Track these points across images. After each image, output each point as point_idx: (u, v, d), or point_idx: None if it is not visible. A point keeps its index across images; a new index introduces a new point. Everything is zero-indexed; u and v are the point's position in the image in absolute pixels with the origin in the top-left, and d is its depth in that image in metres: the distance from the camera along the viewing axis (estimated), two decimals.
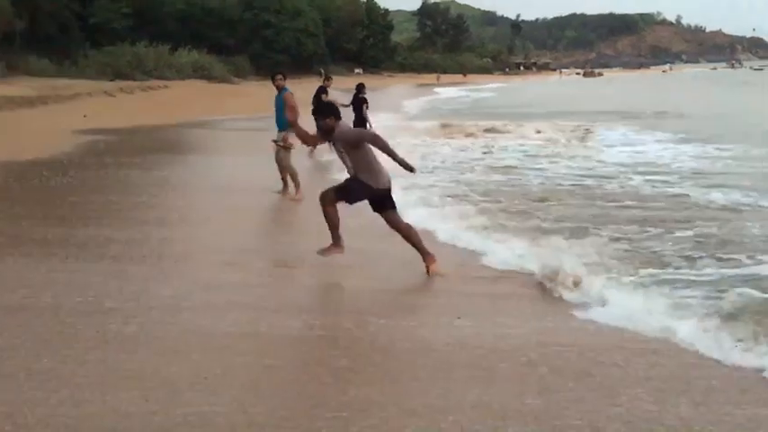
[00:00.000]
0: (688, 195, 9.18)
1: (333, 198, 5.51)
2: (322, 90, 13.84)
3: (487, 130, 18.20)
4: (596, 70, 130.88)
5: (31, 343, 3.84)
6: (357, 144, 5.44)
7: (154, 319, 4.37)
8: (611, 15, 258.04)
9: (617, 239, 6.57)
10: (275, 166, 8.92)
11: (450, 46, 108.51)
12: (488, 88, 60.02)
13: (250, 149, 11.69)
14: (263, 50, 54.82)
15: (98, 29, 42.41)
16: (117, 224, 6.98)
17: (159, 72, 38.62)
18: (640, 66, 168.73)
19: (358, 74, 62.89)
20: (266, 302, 4.89)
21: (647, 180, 10.41)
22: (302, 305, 4.85)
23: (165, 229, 6.90)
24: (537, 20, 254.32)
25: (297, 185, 8.86)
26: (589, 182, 10.45)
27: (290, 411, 3.20)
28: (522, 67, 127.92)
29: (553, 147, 15.00)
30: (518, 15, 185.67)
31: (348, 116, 13.94)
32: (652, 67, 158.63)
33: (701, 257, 5.94)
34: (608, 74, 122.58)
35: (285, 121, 8.96)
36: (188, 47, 44.08)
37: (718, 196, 8.96)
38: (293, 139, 8.38)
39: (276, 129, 9.12)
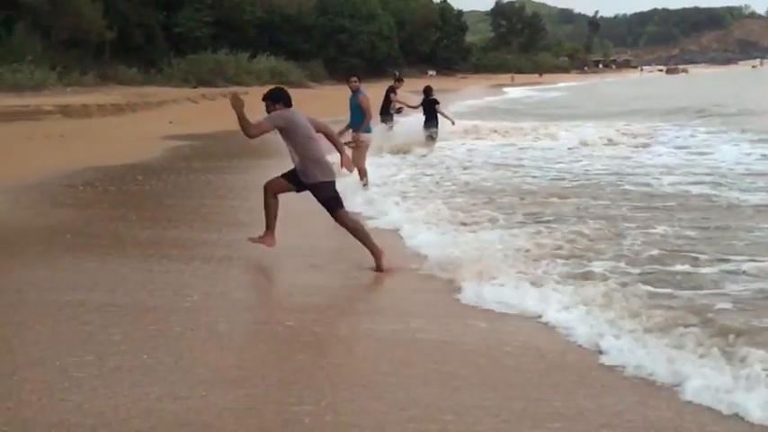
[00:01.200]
0: (716, 196, 8.71)
1: (340, 212, 5.59)
2: (391, 90, 14.08)
3: (511, 132, 17.77)
4: (680, 67, 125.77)
5: (132, 340, 4.03)
6: (291, 132, 5.49)
7: (244, 319, 4.51)
8: (695, 9, 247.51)
9: (560, 235, 6.48)
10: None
11: (525, 45, 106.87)
12: (561, 87, 58.72)
13: (332, 150, 11.96)
14: (338, 54, 55.53)
15: (182, 38, 44.02)
16: (208, 226, 7.22)
17: (239, 78, 39.73)
18: (728, 61, 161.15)
19: (431, 76, 62.80)
20: (351, 305, 4.95)
21: (677, 181, 9.98)
22: (388, 307, 4.89)
23: (254, 231, 7.05)
24: (616, 16, 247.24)
25: (364, 183, 9.50)
26: (605, 180, 10.20)
27: (388, 415, 3.22)
28: (600, 65, 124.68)
29: (590, 148, 14.53)
30: (596, 12, 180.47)
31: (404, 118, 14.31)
32: (740, 63, 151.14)
33: (639, 255, 5.83)
34: (693, 70, 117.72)
35: (359, 121, 9.46)
36: (266, 53, 45.24)
37: (750, 198, 8.46)
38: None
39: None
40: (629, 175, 10.71)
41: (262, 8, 52.39)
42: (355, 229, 5.62)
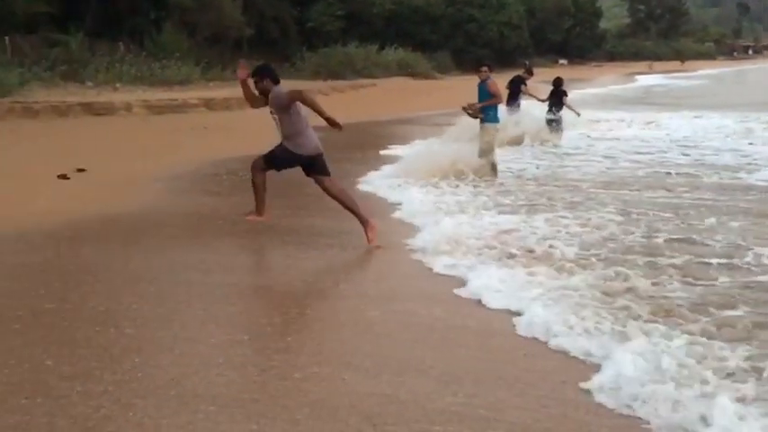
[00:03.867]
0: None
1: (262, 166, 5.89)
2: (520, 81, 13.86)
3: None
4: None
5: (277, 323, 4.25)
6: (287, 107, 5.65)
7: (387, 307, 4.57)
8: None
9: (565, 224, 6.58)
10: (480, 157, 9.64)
11: (665, 31, 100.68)
12: (701, 75, 54.94)
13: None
14: (465, 45, 55.03)
15: (314, 32, 45.43)
16: (344, 216, 7.36)
17: (367, 71, 40.49)
18: None
19: (562, 65, 60.89)
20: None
21: None
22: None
23: (387, 223, 7.10)
24: None
25: (491, 171, 9.60)
26: (686, 171, 10.00)
27: (529, 412, 3.20)
28: (750, 51, 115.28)
29: (698, 139, 13.79)
30: None
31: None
32: None
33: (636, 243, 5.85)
34: None
35: (488, 105, 9.62)
36: (394, 45, 45.77)
37: None
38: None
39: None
40: (722, 167, 10.21)
41: (390, 0, 52.94)
42: (256, 183, 5.99)
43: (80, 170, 9.51)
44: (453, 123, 12.85)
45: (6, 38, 22.09)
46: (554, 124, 14.13)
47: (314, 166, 6.03)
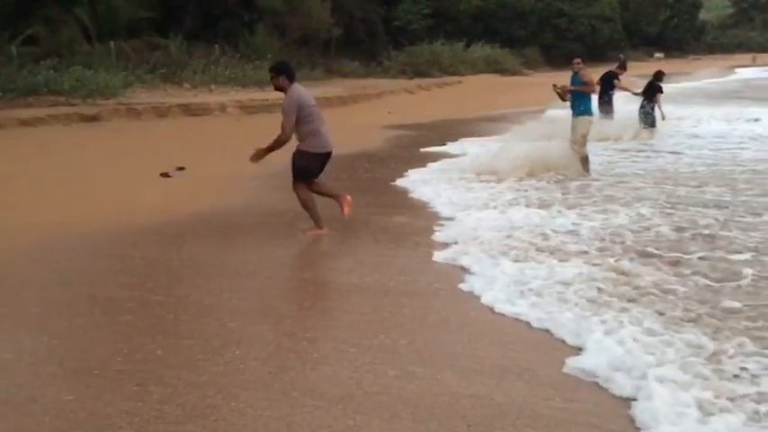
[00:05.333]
0: None
1: (300, 183, 5.97)
2: (613, 75, 13.42)
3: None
4: None
5: (370, 320, 4.31)
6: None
7: (471, 306, 4.56)
8: None
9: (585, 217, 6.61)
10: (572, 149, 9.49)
11: None
12: None
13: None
14: (555, 40, 53.87)
15: (400, 31, 45.62)
16: (431, 214, 7.41)
17: (453, 68, 40.31)
18: None
19: (658, 58, 58.59)
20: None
21: None
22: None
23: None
24: None
25: (582, 166, 9.45)
26: (753, 168, 9.55)
27: (599, 410, 3.12)
28: None
29: None
30: None
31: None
32: None
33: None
34: None
35: (581, 96, 9.49)
36: (481, 42, 45.32)
37: None
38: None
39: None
40: None
41: None
42: (303, 201, 6.10)
43: (180, 168, 9.95)
44: (538, 120, 12.75)
45: (112, 43, 23.39)
46: (644, 125, 13.59)
47: (322, 165, 6.20)
